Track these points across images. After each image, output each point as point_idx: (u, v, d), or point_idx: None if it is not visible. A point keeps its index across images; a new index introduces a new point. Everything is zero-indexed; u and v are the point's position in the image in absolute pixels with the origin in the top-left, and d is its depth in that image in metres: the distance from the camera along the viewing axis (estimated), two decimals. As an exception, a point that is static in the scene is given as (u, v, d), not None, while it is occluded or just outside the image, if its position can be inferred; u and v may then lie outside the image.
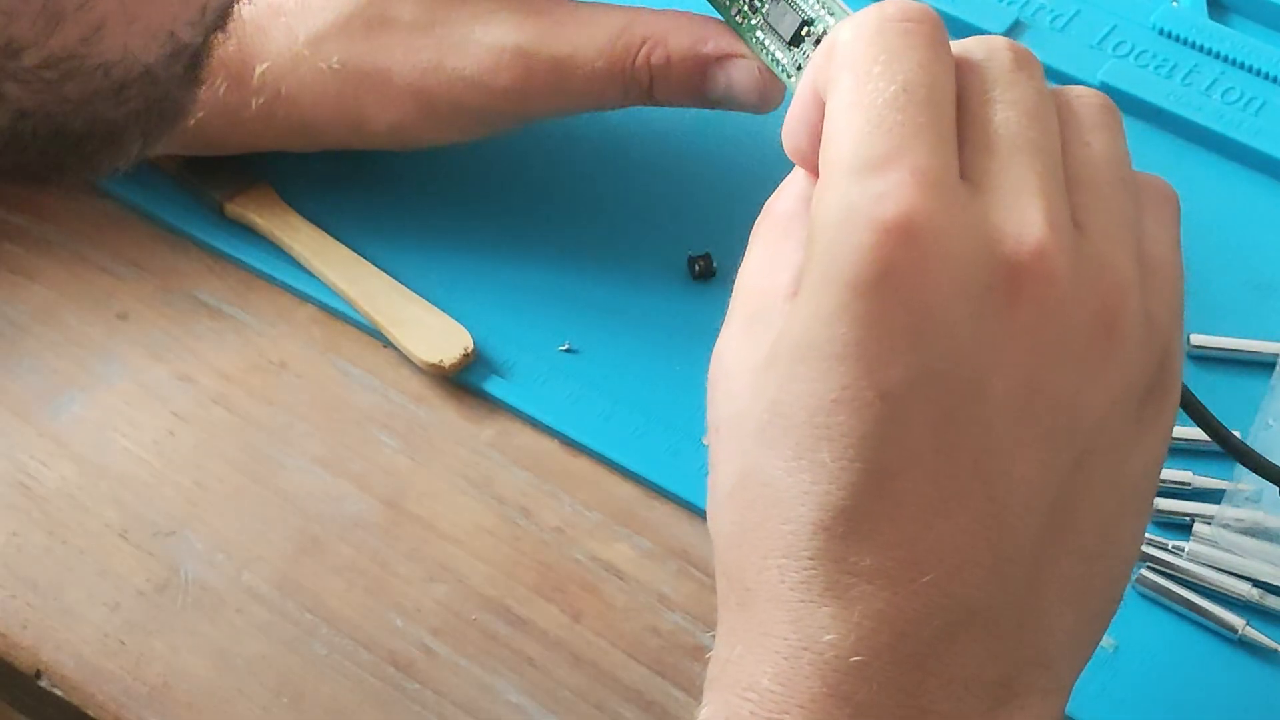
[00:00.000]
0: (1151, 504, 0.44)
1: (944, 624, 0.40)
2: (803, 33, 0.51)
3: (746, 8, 0.53)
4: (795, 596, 0.40)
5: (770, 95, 0.54)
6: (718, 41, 0.54)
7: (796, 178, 0.45)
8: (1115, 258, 0.42)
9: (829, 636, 0.40)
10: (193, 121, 0.56)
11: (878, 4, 0.43)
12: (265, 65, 0.56)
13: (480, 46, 0.55)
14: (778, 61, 0.52)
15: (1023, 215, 0.41)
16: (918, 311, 0.40)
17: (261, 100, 0.56)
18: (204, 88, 0.55)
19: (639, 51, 0.54)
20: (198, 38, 0.39)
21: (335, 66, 0.56)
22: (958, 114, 0.42)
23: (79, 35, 0.36)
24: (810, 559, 0.40)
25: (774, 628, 0.40)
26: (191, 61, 0.40)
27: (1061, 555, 0.41)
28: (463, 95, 0.55)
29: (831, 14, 0.50)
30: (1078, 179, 0.42)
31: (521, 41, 0.55)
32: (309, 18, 0.56)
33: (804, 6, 0.51)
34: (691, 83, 0.55)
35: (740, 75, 0.54)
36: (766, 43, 0.52)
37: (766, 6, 0.52)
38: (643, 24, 0.55)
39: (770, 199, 0.45)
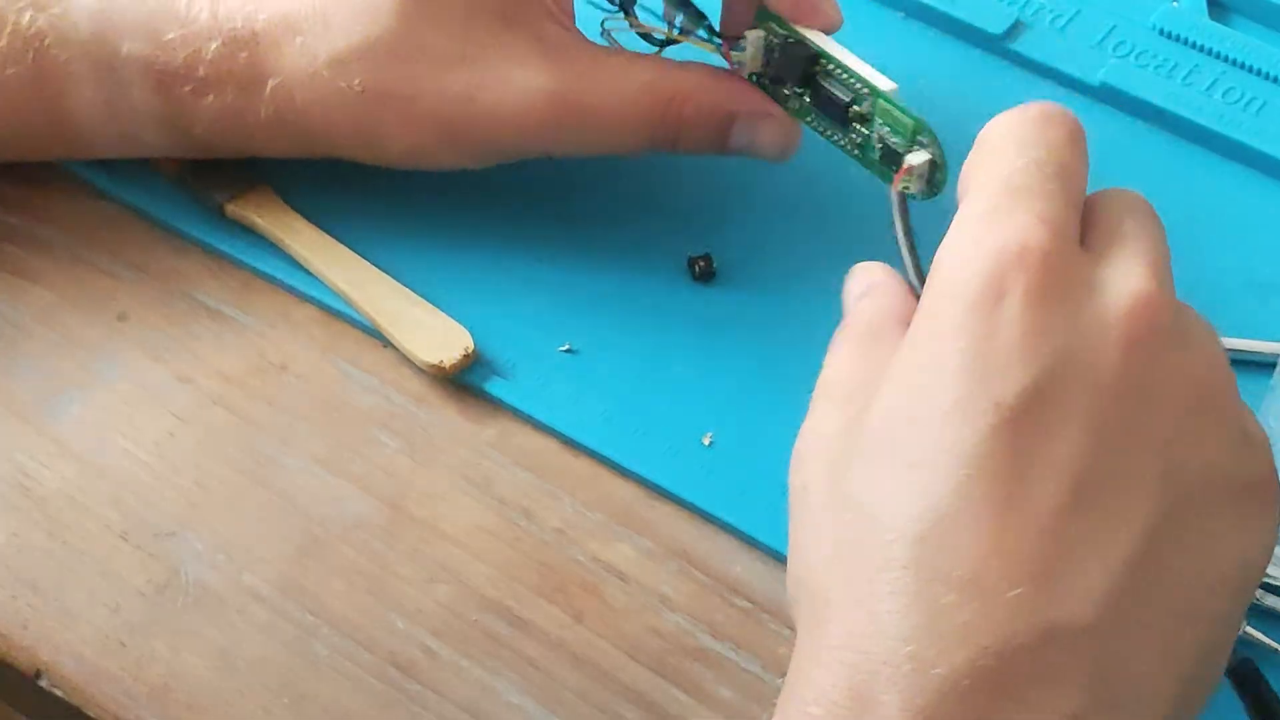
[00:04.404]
0: (1247, 600, 0.45)
1: (1026, 642, 0.40)
2: (849, 113, 0.55)
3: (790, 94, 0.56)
4: (883, 608, 0.41)
5: (789, 148, 0.57)
6: (745, 102, 0.56)
7: (884, 288, 0.48)
8: (1210, 348, 0.44)
9: (909, 648, 0.40)
10: (199, 129, 0.57)
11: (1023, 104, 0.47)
12: (278, 80, 0.56)
13: (512, 86, 0.55)
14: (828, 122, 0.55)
15: (1134, 272, 0.43)
16: (1033, 330, 0.42)
17: (271, 110, 0.56)
18: (211, 97, 0.55)
19: (666, 106, 0.56)
20: None
21: (357, 88, 0.55)
22: (1085, 211, 0.45)
23: None
24: (904, 568, 0.41)
25: (851, 641, 0.41)
26: None
27: (1146, 602, 0.42)
28: (488, 129, 0.56)
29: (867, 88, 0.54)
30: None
31: (553, 86, 0.55)
32: (330, 38, 0.55)
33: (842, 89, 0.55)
34: (716, 138, 0.57)
35: (764, 133, 0.57)
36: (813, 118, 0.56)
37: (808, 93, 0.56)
38: (671, 80, 0.56)
39: (853, 301, 0.48)
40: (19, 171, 0.60)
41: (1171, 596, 0.42)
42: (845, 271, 0.59)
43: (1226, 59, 0.64)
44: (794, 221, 0.60)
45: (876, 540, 0.41)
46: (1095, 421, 0.41)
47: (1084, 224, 0.45)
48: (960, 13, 0.66)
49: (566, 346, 0.57)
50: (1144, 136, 0.63)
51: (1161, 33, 0.65)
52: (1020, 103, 0.63)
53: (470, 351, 0.56)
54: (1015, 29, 0.65)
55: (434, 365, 0.56)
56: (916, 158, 0.52)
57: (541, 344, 0.57)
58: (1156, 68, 0.64)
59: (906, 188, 0.51)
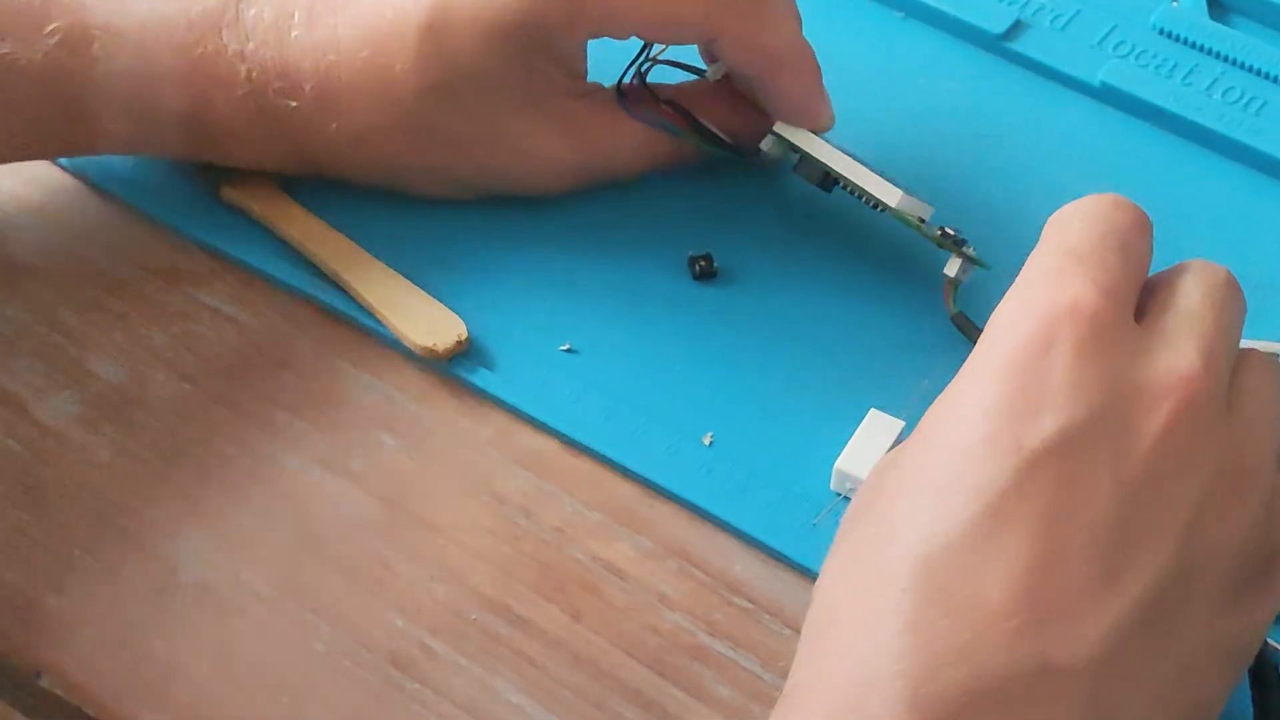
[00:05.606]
0: (1245, 664, 0.46)
1: (1018, 673, 0.41)
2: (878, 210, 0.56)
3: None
4: (881, 624, 0.41)
5: None
6: (747, 125, 0.59)
7: None
8: (1255, 436, 0.45)
9: (900, 665, 0.41)
10: (231, 160, 0.57)
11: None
12: (310, 147, 0.57)
13: (533, 158, 0.58)
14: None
15: (1183, 347, 0.44)
16: (1071, 382, 0.43)
17: (302, 163, 0.58)
18: (245, 146, 0.57)
19: (678, 151, 0.59)
20: None
21: (382, 160, 0.58)
22: (1151, 288, 0.46)
23: None
24: (904, 590, 0.42)
25: (848, 655, 0.42)
26: None
27: (1145, 654, 0.42)
28: (512, 190, 0.59)
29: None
30: (1242, 373, 0.46)
31: (573, 156, 0.59)
32: (353, 119, 0.57)
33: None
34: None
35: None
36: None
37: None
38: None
39: None
40: (18, 167, 0.60)
41: (1170, 654, 0.43)
42: (845, 271, 0.59)
43: (1226, 59, 0.64)
44: (794, 221, 0.60)
45: (885, 557, 0.42)
46: (1120, 479, 0.42)
47: (1147, 299, 0.46)
48: (960, 13, 0.66)
49: (567, 346, 0.57)
50: (1144, 136, 0.63)
51: (1161, 33, 0.65)
52: (1021, 103, 0.64)
53: (464, 338, 0.56)
54: (1015, 29, 0.65)
55: (427, 349, 0.56)
56: (952, 268, 0.55)
57: (542, 343, 0.57)
58: (1156, 68, 0.64)
59: (960, 281, 0.55)
